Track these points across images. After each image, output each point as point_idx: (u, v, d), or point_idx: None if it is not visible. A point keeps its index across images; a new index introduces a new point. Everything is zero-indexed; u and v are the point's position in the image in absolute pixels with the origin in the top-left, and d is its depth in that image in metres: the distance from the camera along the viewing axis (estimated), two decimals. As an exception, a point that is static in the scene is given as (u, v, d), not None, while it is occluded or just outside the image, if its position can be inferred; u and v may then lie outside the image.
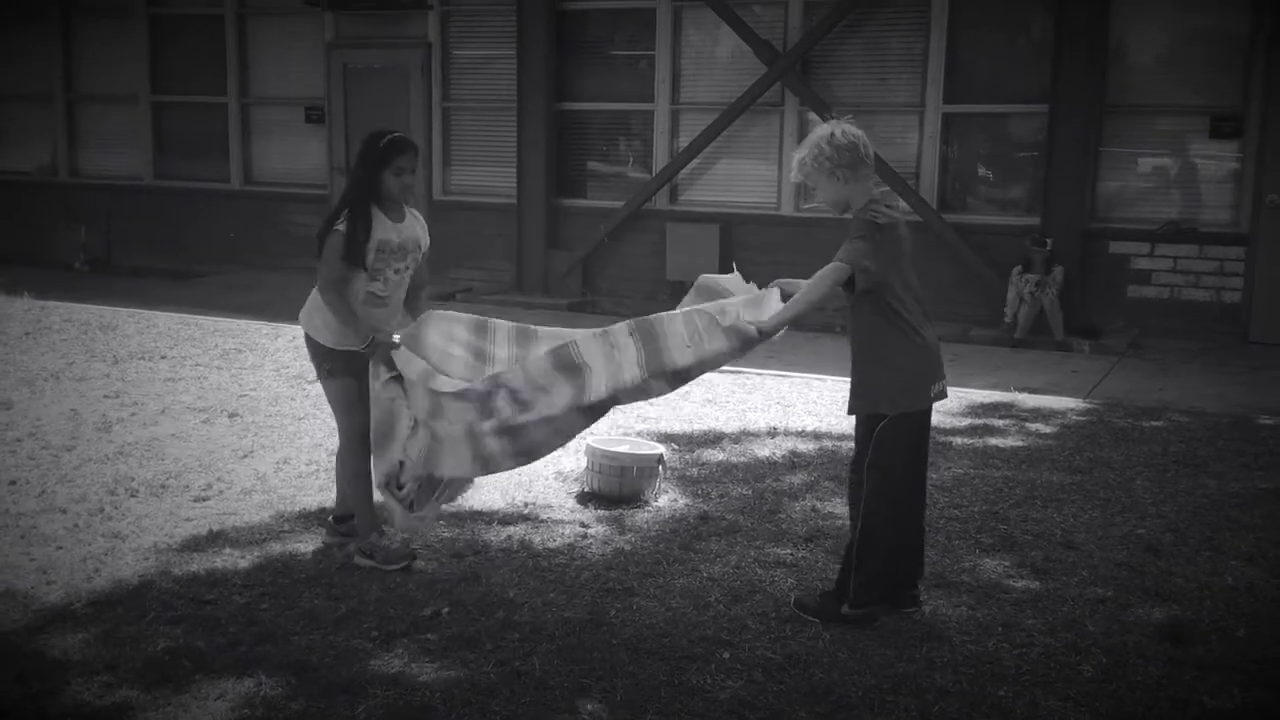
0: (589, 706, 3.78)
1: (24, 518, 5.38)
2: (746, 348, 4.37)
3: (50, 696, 3.78)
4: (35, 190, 15.59)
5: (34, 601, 4.50)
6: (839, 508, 5.73)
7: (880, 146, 11.29)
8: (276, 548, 5.12)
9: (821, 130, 4.46)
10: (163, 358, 8.92)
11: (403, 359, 4.69)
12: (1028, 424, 7.47)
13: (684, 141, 12.24)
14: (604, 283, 12.69)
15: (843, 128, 4.43)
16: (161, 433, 6.84)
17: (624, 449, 5.97)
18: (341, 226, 4.83)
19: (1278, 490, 6.13)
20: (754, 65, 11.68)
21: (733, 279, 4.97)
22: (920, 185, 11.33)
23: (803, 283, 4.56)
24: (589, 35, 12.74)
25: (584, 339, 4.53)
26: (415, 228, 5.09)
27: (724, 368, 8.86)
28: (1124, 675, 4.07)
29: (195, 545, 5.10)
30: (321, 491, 5.83)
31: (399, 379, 4.67)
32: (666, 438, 6.92)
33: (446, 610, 4.52)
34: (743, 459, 6.57)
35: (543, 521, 5.52)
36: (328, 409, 7.37)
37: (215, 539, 5.19)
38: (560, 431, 4.52)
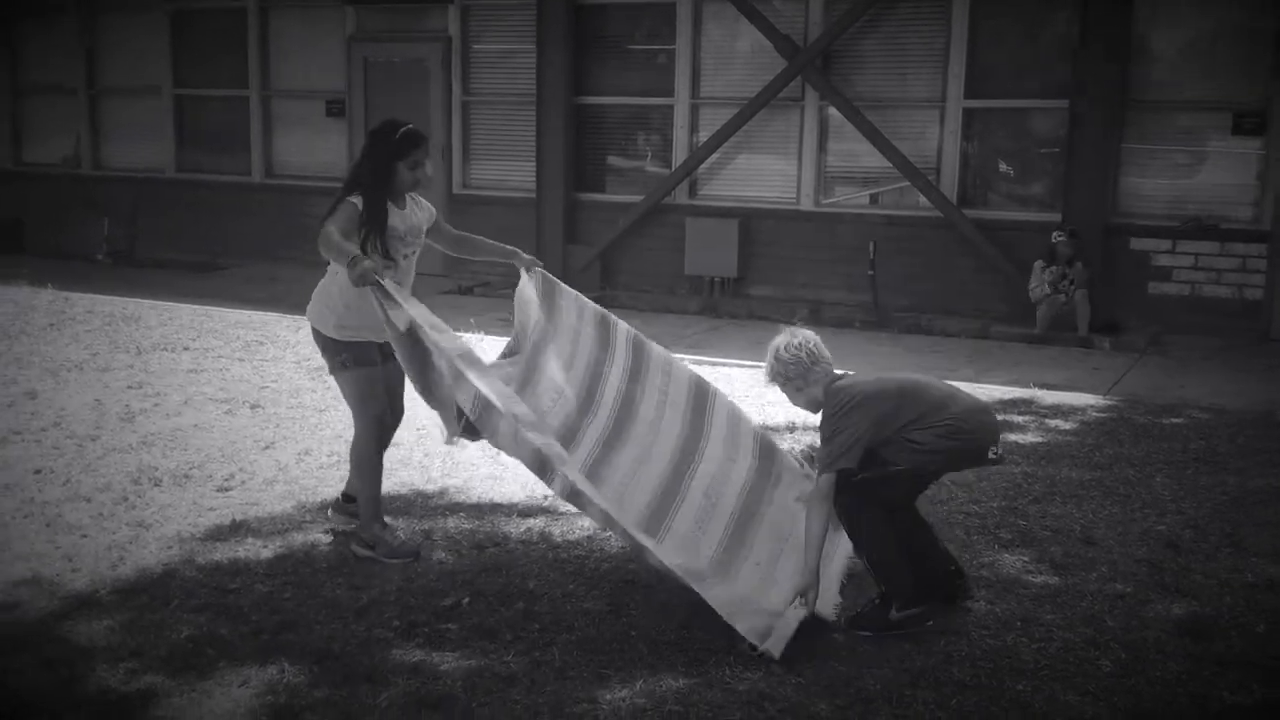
0: (608, 697, 3.80)
1: (49, 506, 5.43)
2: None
3: (76, 682, 3.83)
4: (59, 183, 15.69)
5: (60, 588, 4.55)
6: (858, 502, 5.74)
7: (900, 141, 11.31)
8: (298, 538, 5.16)
9: (772, 344, 4.57)
10: (185, 349, 8.98)
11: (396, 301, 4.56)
12: (1047, 420, 7.45)
13: (704, 136, 12.24)
14: (623, 277, 12.70)
15: (787, 340, 4.53)
16: (184, 423, 6.89)
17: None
18: (356, 200, 4.82)
19: (1299, 488, 6.11)
20: (774, 60, 11.68)
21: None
22: (941, 181, 11.30)
23: None
24: (609, 29, 12.75)
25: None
26: (418, 213, 5.10)
27: (743, 363, 8.89)
28: (1143, 671, 4.07)
29: (218, 534, 5.15)
30: (343, 483, 5.85)
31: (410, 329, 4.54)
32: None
33: (467, 601, 4.55)
34: (761, 453, 6.57)
35: (562, 514, 5.54)
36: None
37: (238, 529, 5.24)
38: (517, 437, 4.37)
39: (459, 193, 13.48)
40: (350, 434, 6.66)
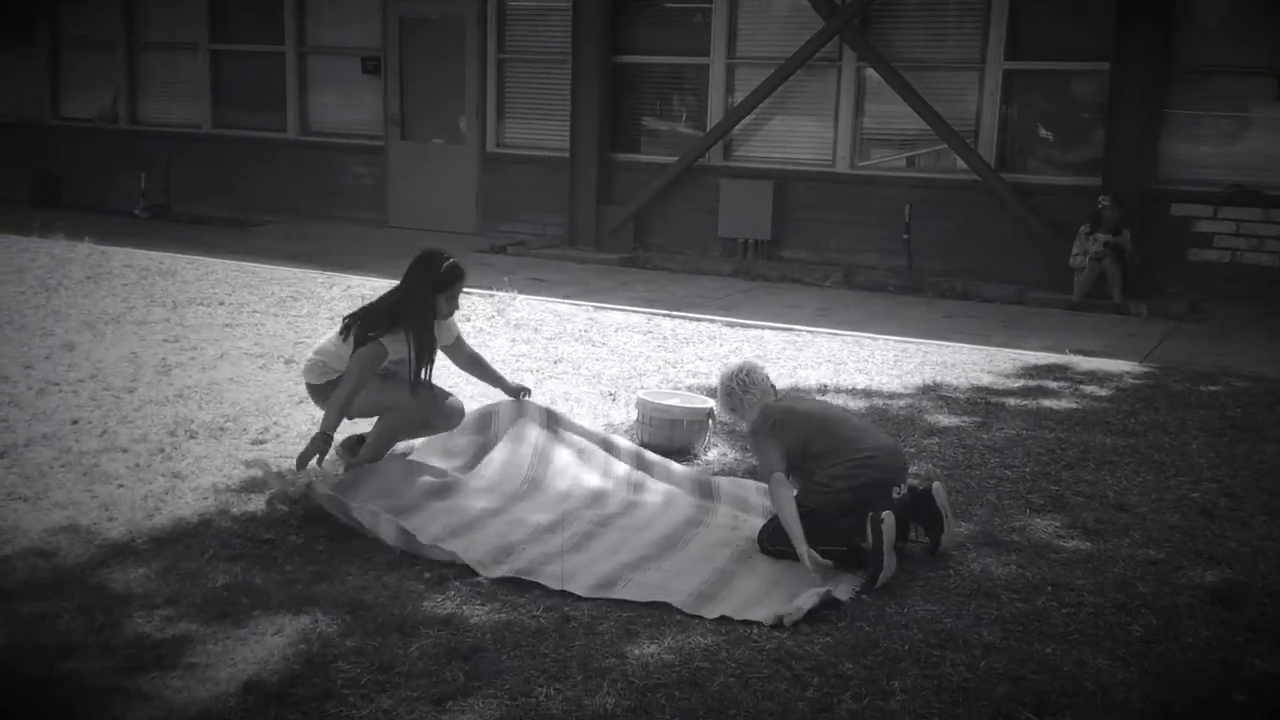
0: (636, 652, 3.82)
1: (86, 456, 5.50)
2: None
3: (113, 628, 3.88)
4: (96, 137, 15.79)
5: (96, 537, 4.60)
6: (889, 465, 5.73)
7: (939, 103, 11.19)
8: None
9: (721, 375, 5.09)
10: (220, 304, 9.04)
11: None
12: (1082, 386, 7.40)
13: (739, 97, 12.15)
14: (656, 238, 12.67)
15: (722, 374, 5.06)
16: (220, 377, 6.95)
17: (674, 402, 6.00)
18: (385, 340, 5.06)
19: (1337, 457, 6.04)
20: (811, 19, 11.56)
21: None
22: (979, 143, 11.19)
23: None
24: (646, -12, 12.66)
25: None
26: (443, 337, 5.40)
27: (776, 326, 8.86)
28: (1174, 636, 4.06)
29: (253, 486, 5.19)
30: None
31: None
32: (716, 393, 6.92)
33: (497, 555, 4.57)
34: (793, 415, 6.56)
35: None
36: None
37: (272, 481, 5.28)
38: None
39: (493, 151, 13.46)
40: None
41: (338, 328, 5.28)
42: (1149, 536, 4.93)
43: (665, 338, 8.51)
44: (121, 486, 5.15)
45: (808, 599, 4.12)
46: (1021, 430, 6.39)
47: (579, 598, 4.19)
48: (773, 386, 5.02)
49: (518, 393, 5.65)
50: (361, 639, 3.84)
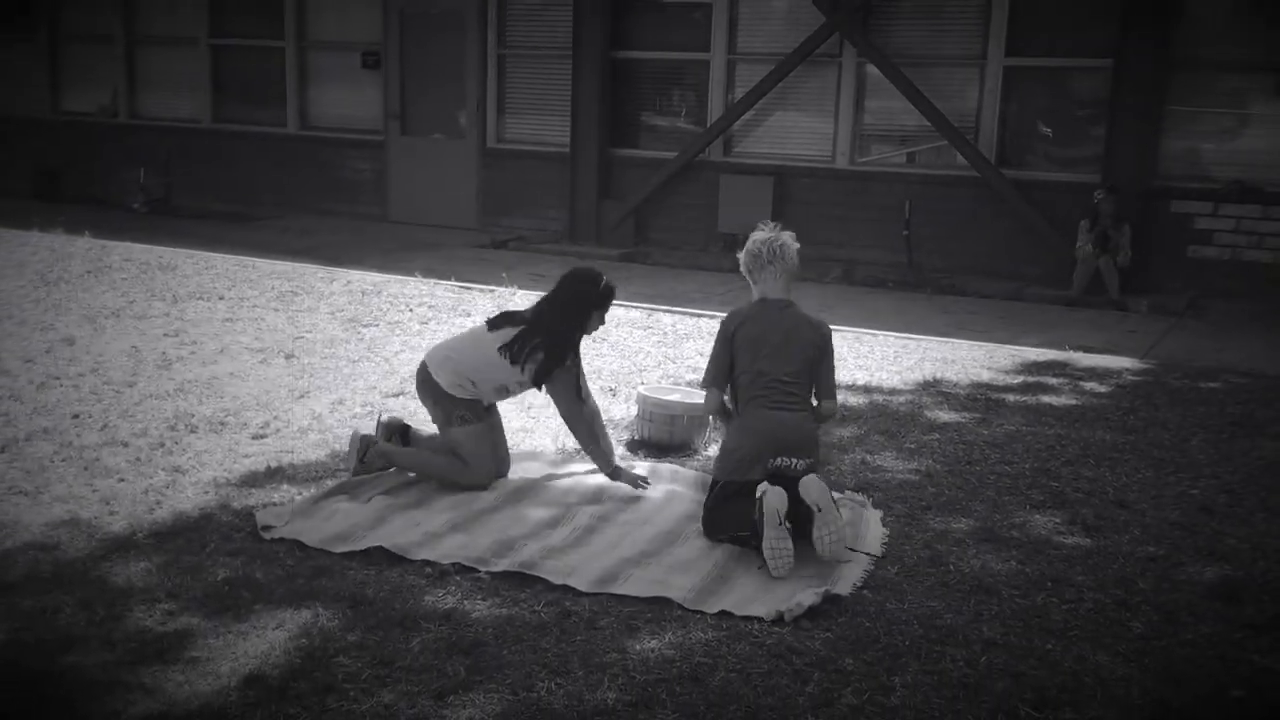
0: (637, 648, 3.83)
1: (87, 450, 5.50)
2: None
3: (114, 622, 3.89)
4: (96, 131, 15.78)
5: (97, 531, 4.61)
6: (889, 460, 5.73)
7: (939, 99, 11.19)
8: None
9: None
10: (220, 298, 9.04)
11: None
12: (1082, 383, 7.40)
13: (739, 92, 12.15)
14: (656, 234, 12.67)
15: (757, 234, 4.88)
16: (220, 371, 6.95)
17: (675, 398, 6.00)
18: (570, 364, 5.15)
19: (1336, 454, 6.05)
20: (812, 15, 11.56)
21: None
22: (979, 139, 11.19)
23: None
24: (646, -17, 12.65)
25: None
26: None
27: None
28: (1174, 633, 4.06)
29: (253, 481, 5.20)
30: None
31: None
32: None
33: (498, 550, 4.58)
34: (793, 410, 6.56)
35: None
36: (381, 353, 7.51)
37: (273, 475, 5.29)
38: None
39: (493, 146, 13.46)
40: (384, 384, 6.74)
41: (474, 333, 5.33)
42: (1148, 533, 4.94)
43: (665, 333, 8.51)
44: (122, 481, 5.15)
45: (809, 596, 4.13)
46: (1021, 426, 6.39)
47: (580, 593, 4.20)
48: (792, 271, 4.79)
49: (617, 476, 5.24)
50: (362, 633, 3.85)
